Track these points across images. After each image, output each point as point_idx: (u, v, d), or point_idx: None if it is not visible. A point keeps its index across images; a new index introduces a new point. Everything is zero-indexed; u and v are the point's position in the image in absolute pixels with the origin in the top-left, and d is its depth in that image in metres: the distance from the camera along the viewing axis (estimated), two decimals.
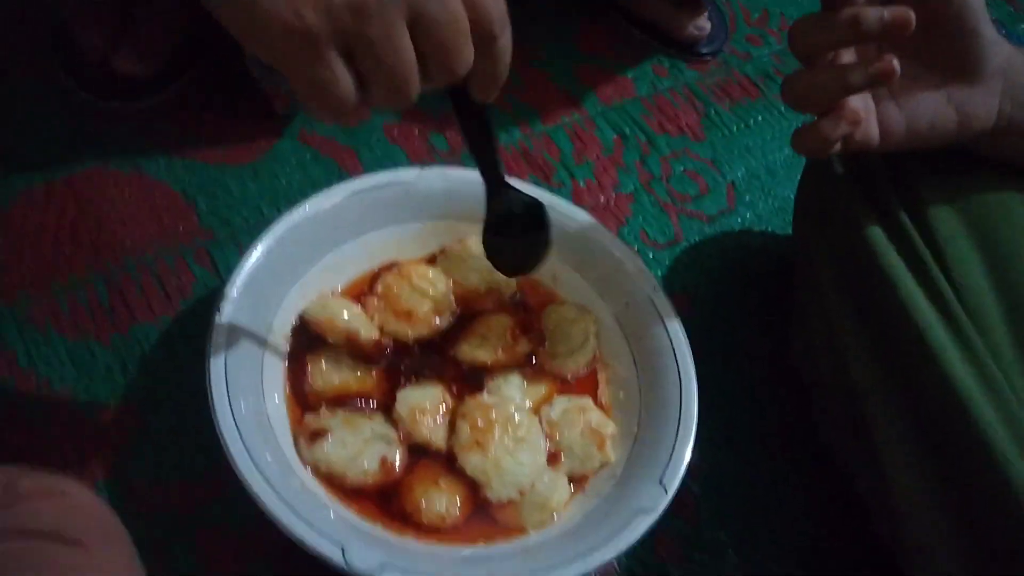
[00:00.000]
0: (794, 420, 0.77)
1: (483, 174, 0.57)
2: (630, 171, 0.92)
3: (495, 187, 0.58)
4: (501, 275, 0.68)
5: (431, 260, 0.73)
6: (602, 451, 0.65)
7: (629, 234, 0.86)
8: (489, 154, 0.56)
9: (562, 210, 0.73)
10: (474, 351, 0.68)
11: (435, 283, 0.71)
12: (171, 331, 0.70)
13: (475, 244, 0.71)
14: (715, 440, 0.74)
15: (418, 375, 0.66)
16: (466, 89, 0.49)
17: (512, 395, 0.67)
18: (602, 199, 0.89)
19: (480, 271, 0.72)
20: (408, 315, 0.69)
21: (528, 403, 0.67)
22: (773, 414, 0.77)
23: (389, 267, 0.72)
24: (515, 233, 0.61)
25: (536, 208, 0.60)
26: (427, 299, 0.70)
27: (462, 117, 0.52)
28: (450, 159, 0.87)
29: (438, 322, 0.70)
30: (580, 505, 0.63)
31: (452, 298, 0.71)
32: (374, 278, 0.71)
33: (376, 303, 0.69)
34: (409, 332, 0.69)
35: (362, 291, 0.71)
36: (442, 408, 0.65)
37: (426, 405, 0.64)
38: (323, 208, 0.68)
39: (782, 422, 0.77)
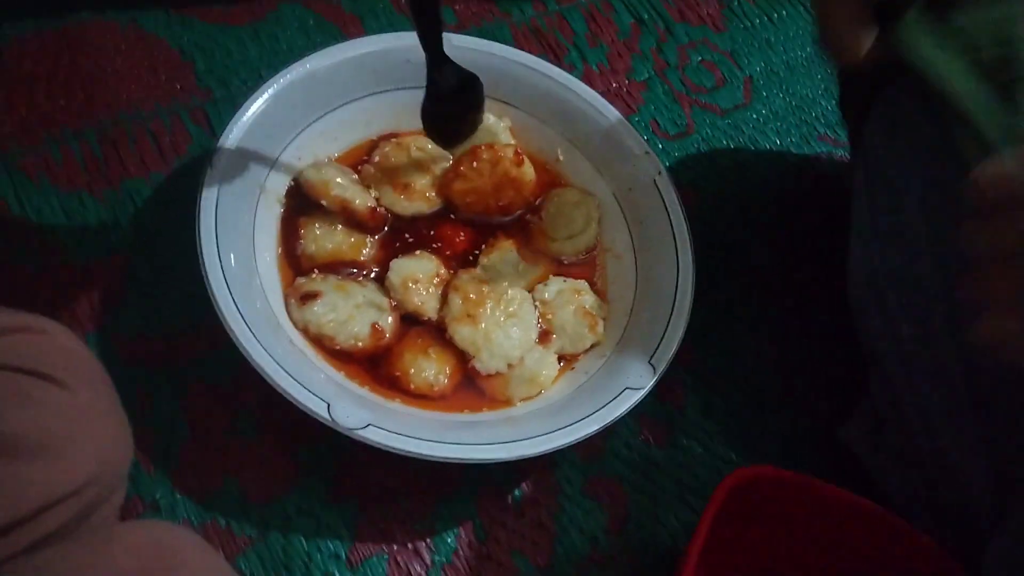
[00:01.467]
0: (788, 323, 0.76)
1: (424, 45, 0.57)
2: (645, 58, 0.88)
3: (435, 59, 0.58)
4: (499, 140, 0.68)
5: None
6: (594, 332, 0.64)
7: (639, 123, 0.84)
8: (431, 26, 0.56)
9: (573, 89, 0.71)
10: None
11: (435, 158, 0.69)
12: (164, 187, 0.69)
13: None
14: (709, 334, 0.74)
15: (413, 247, 0.65)
16: None
17: (507, 273, 0.66)
18: (614, 85, 0.86)
19: (475, 140, 0.69)
20: (405, 188, 0.67)
21: (522, 282, 0.67)
22: (769, 315, 0.76)
23: (388, 137, 0.70)
24: (452, 105, 0.62)
25: (472, 81, 0.61)
26: (426, 174, 0.69)
27: None
28: (457, 32, 0.83)
29: (434, 197, 0.68)
30: (568, 382, 0.63)
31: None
32: (372, 147, 0.70)
33: (373, 172, 0.68)
34: (406, 205, 0.67)
35: (359, 159, 0.69)
36: (435, 280, 0.64)
37: (419, 275, 0.63)
38: (322, 67, 0.66)
39: (777, 323, 0.76)
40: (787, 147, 0.88)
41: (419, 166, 0.69)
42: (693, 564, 0.52)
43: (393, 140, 0.69)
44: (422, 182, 0.68)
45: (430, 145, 0.69)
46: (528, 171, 0.69)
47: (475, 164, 0.67)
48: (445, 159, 0.70)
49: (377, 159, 0.68)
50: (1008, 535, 0.55)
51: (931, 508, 0.64)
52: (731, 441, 0.69)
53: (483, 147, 0.69)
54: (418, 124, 0.70)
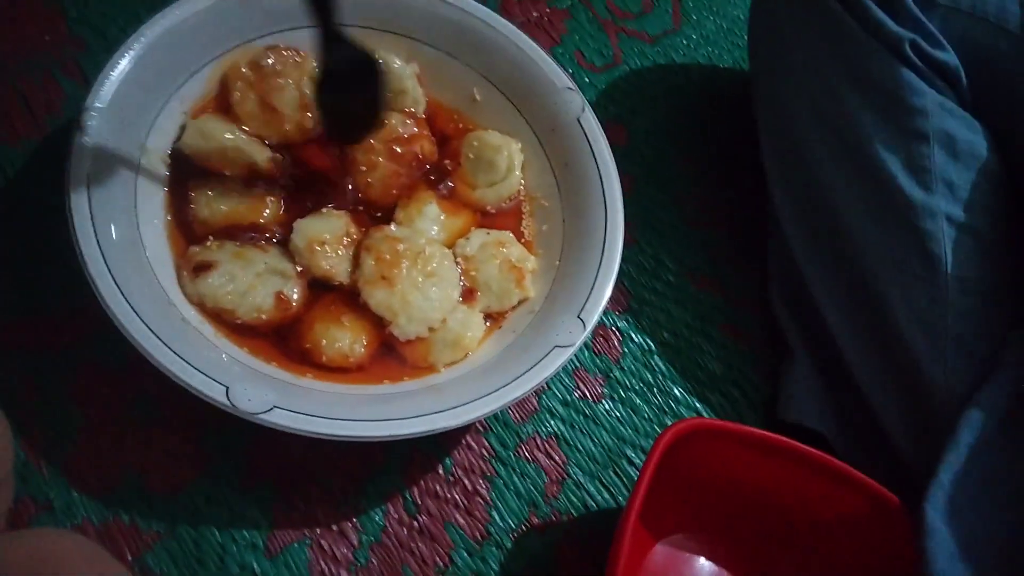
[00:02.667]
0: (726, 262, 0.73)
1: (315, 21, 0.50)
2: None
3: (328, 37, 0.51)
4: (407, 96, 0.63)
5: None
6: (521, 287, 0.60)
7: (563, 55, 0.79)
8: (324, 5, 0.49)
9: (485, 20, 0.65)
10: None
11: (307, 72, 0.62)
12: (37, 153, 0.62)
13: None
14: (642, 278, 0.70)
15: (318, 203, 0.60)
16: None
17: (425, 228, 0.61)
18: (534, 14, 0.80)
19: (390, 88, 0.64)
20: (272, 111, 0.60)
21: (442, 236, 0.62)
22: (701, 253, 0.73)
23: (287, 50, 0.62)
24: (349, 93, 0.55)
25: (370, 66, 0.54)
26: (302, 111, 0.61)
27: None
28: None
29: (295, 135, 0.61)
30: (496, 342, 0.59)
31: None
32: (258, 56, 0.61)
33: (245, 80, 0.60)
34: (257, 127, 0.60)
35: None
36: (345, 240, 0.58)
37: (326, 236, 0.58)
38: (207, 6, 0.59)
39: (710, 261, 0.73)
40: (719, 72, 0.84)
41: (300, 96, 0.61)
42: (632, 522, 0.49)
43: (290, 54, 0.62)
44: (291, 113, 0.61)
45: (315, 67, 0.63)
46: (430, 147, 0.64)
47: (372, 156, 0.61)
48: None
49: (264, 64, 0.60)
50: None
51: (867, 449, 0.62)
52: (670, 391, 0.67)
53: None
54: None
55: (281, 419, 0.48)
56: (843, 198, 0.64)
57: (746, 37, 0.84)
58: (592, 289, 0.57)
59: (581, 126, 0.63)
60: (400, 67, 0.64)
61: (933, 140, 0.61)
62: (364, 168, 0.61)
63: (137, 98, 0.56)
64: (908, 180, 0.61)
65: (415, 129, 0.63)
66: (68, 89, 0.65)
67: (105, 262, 0.49)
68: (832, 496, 0.56)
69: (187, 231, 0.57)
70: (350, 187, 0.61)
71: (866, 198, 0.62)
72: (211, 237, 0.57)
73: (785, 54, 0.68)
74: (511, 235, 0.63)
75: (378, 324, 0.57)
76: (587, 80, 0.78)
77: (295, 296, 0.56)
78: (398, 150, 0.61)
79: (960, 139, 0.61)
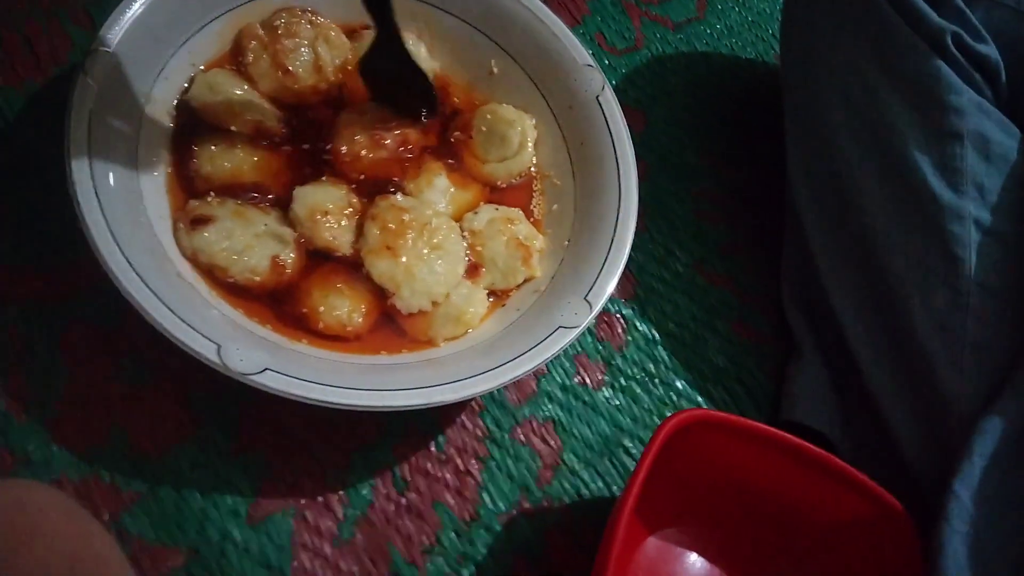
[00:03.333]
0: (736, 256, 0.72)
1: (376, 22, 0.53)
2: None
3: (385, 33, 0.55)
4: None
5: (350, 34, 0.63)
6: (527, 265, 0.59)
7: (584, 35, 0.77)
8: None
9: None
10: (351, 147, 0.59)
11: (336, 55, 0.61)
12: (39, 99, 0.60)
13: None
14: (651, 267, 0.69)
15: (320, 168, 0.58)
16: None
17: (433, 199, 0.59)
18: None
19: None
20: (285, 72, 0.59)
21: (451, 209, 0.60)
22: (712, 245, 0.71)
23: (302, 10, 0.61)
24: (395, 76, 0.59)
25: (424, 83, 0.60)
26: (316, 72, 0.60)
27: None
28: None
29: (309, 95, 0.60)
30: (499, 319, 0.57)
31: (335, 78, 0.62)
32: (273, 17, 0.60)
33: (259, 40, 0.59)
34: (271, 87, 0.59)
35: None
36: (348, 211, 0.57)
37: (328, 206, 0.56)
38: None
39: (720, 254, 0.71)
40: (742, 65, 0.82)
41: (315, 57, 0.60)
42: (628, 512, 0.48)
43: (303, 14, 0.61)
44: (304, 74, 0.60)
45: (342, 39, 0.62)
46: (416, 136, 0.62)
47: (355, 147, 0.59)
48: (343, 57, 0.62)
49: (277, 24, 0.59)
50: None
51: (872, 453, 0.61)
52: (671, 382, 0.65)
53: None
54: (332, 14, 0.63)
55: (273, 382, 0.46)
56: (870, 195, 0.62)
57: (771, 31, 0.83)
58: (601, 272, 0.56)
59: (600, 105, 0.62)
60: (413, 42, 0.63)
61: (967, 140, 0.59)
62: (348, 159, 0.59)
63: (145, 45, 0.54)
64: (939, 180, 0.59)
65: (401, 119, 0.61)
66: (75, 36, 0.63)
67: (101, 210, 0.48)
68: (832, 496, 0.55)
69: (188, 186, 0.55)
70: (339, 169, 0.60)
71: (894, 197, 0.61)
72: (212, 193, 0.55)
73: (820, 45, 0.66)
74: (520, 212, 0.61)
75: (379, 294, 0.55)
76: (607, 63, 0.76)
77: (290, 262, 0.54)
78: (384, 139, 0.59)
79: (994, 141, 0.59)
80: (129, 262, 0.46)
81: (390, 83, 0.60)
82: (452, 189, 0.61)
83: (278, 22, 0.59)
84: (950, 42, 0.59)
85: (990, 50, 0.61)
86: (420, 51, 0.64)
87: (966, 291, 0.57)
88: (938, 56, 0.59)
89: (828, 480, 0.54)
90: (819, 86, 0.66)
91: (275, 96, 0.59)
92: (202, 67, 0.58)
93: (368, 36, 0.61)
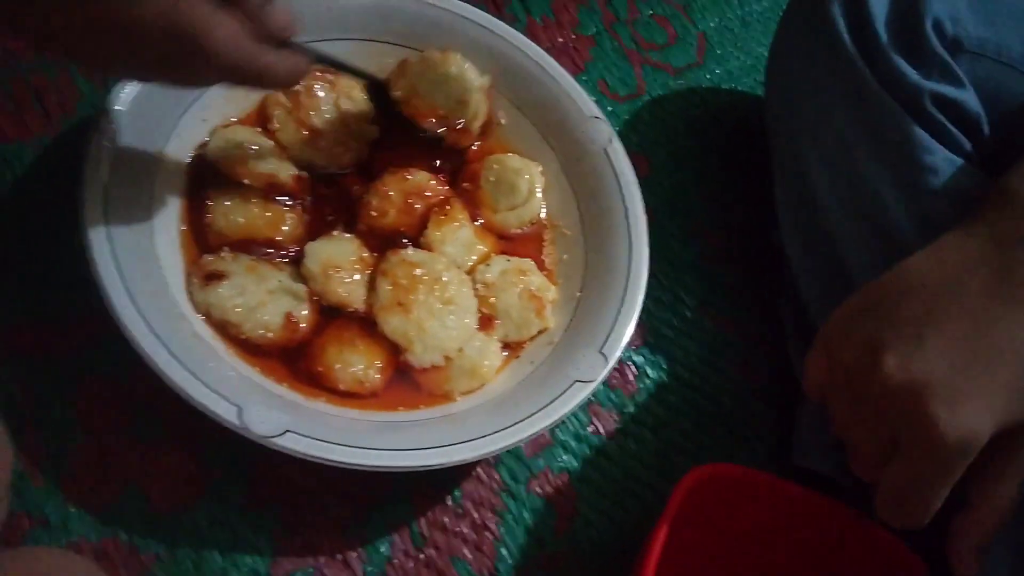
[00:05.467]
0: (744, 299, 0.72)
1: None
2: (592, 10, 0.82)
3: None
4: (467, 109, 0.62)
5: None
6: (541, 317, 0.59)
7: (587, 82, 0.78)
8: None
9: (514, 43, 0.64)
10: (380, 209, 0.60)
11: (361, 110, 0.62)
12: (48, 153, 0.60)
13: (445, 59, 0.61)
14: (659, 312, 0.69)
15: (335, 223, 0.58)
16: None
17: (455, 252, 0.60)
18: (559, 40, 0.79)
19: (447, 92, 0.62)
20: (313, 132, 0.60)
21: (468, 262, 0.60)
22: (718, 289, 0.72)
23: (321, 72, 0.62)
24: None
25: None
26: (343, 129, 0.61)
27: None
28: None
29: (340, 153, 0.61)
30: (513, 372, 0.57)
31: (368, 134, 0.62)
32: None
33: (283, 107, 0.60)
34: (307, 153, 0.60)
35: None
36: (358, 264, 0.57)
37: (340, 260, 0.56)
38: None
39: (726, 299, 0.72)
40: (741, 109, 0.83)
41: (340, 116, 0.61)
42: (653, 567, 0.48)
43: (323, 76, 0.61)
44: (333, 133, 0.60)
45: (363, 96, 0.62)
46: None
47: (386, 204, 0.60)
48: (370, 122, 0.62)
49: (298, 88, 0.60)
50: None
51: None
52: (684, 428, 0.65)
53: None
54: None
55: (295, 444, 0.46)
56: (853, 250, 0.63)
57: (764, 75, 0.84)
58: (615, 324, 0.56)
59: (608, 157, 0.62)
60: (472, 76, 0.62)
61: (944, 197, 0.60)
62: (375, 214, 0.59)
63: (158, 103, 0.55)
64: (918, 237, 0.60)
65: (437, 189, 0.61)
66: (84, 89, 0.63)
67: (118, 271, 0.48)
68: (848, 546, 0.55)
69: (202, 241, 0.55)
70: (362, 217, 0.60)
71: (876, 252, 0.62)
72: (226, 248, 0.55)
73: (799, 100, 0.68)
74: (532, 263, 0.61)
75: (393, 350, 0.55)
76: (610, 109, 0.77)
77: (304, 319, 0.54)
78: (415, 205, 0.60)
79: (972, 197, 0.60)
80: (148, 324, 0.46)
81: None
82: (478, 244, 0.61)
83: (298, 87, 0.59)
84: (928, 102, 0.60)
85: (972, 102, 0.62)
86: (475, 84, 0.62)
87: None
88: (912, 117, 0.60)
89: (844, 530, 0.54)
90: (799, 138, 0.67)
91: (308, 160, 0.60)
92: (217, 123, 0.58)
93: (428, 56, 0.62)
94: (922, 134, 0.59)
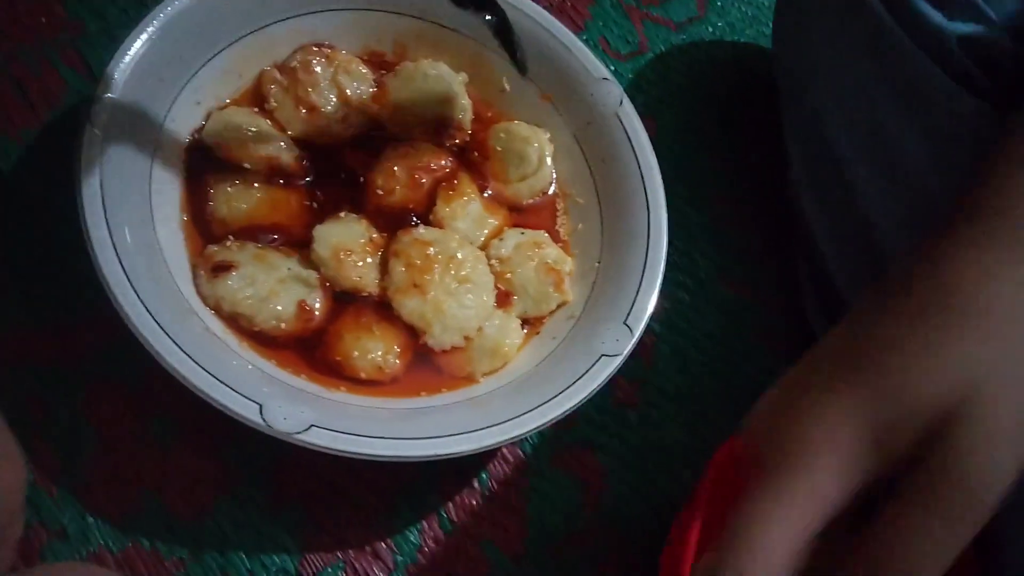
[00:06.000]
0: (760, 260, 0.71)
1: None
2: None
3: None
4: (453, 109, 0.60)
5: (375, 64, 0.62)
6: (560, 290, 0.57)
7: (588, 42, 0.74)
8: None
9: (514, 3, 0.61)
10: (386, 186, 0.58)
11: (361, 85, 0.60)
12: (36, 147, 0.57)
13: (429, 65, 0.60)
14: (675, 278, 0.68)
15: (337, 205, 0.56)
16: None
17: (466, 228, 0.58)
18: None
19: (430, 93, 0.60)
20: (311, 110, 0.57)
21: (481, 237, 0.58)
22: (731, 253, 0.70)
23: (318, 46, 0.60)
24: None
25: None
26: (344, 105, 0.59)
27: None
28: None
29: (341, 130, 0.59)
30: (535, 350, 0.56)
31: (371, 108, 0.60)
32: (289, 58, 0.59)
33: (279, 84, 0.57)
34: (307, 132, 0.58)
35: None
36: (369, 246, 0.55)
37: (350, 243, 0.54)
38: None
39: (740, 263, 0.70)
40: (746, 61, 0.81)
41: (339, 91, 0.59)
42: (692, 550, 0.46)
43: (319, 50, 0.59)
44: (330, 110, 0.58)
45: (363, 69, 0.60)
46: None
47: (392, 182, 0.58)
48: (368, 88, 0.60)
49: (295, 64, 0.58)
50: None
51: None
52: (705, 397, 0.64)
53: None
54: (346, 46, 0.61)
55: (320, 439, 0.44)
56: (874, 203, 0.61)
57: (772, 26, 0.82)
58: (638, 293, 0.54)
59: (620, 120, 0.60)
60: (448, 74, 0.61)
61: (969, 144, 0.58)
62: (381, 192, 0.57)
63: (149, 88, 0.52)
64: (942, 186, 0.58)
65: (442, 162, 0.59)
66: (68, 77, 0.60)
67: (122, 269, 0.45)
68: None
69: (205, 231, 0.53)
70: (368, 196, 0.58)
71: (899, 204, 0.60)
72: (231, 237, 0.53)
73: (812, 49, 0.65)
74: (546, 235, 0.59)
75: (411, 333, 0.54)
76: (613, 68, 0.74)
77: (318, 307, 0.52)
78: (421, 179, 0.58)
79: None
80: (159, 325, 0.44)
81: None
82: (489, 218, 0.59)
83: (294, 63, 0.57)
84: (953, 45, 0.58)
85: (1000, 38, 0.60)
86: (456, 80, 0.62)
87: None
88: (936, 62, 0.58)
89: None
90: (814, 91, 0.65)
91: (307, 138, 0.57)
92: (212, 106, 0.56)
93: (401, 69, 0.60)
94: (946, 79, 0.57)
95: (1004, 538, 0.49)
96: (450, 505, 0.55)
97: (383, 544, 0.52)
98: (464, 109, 0.61)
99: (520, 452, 0.58)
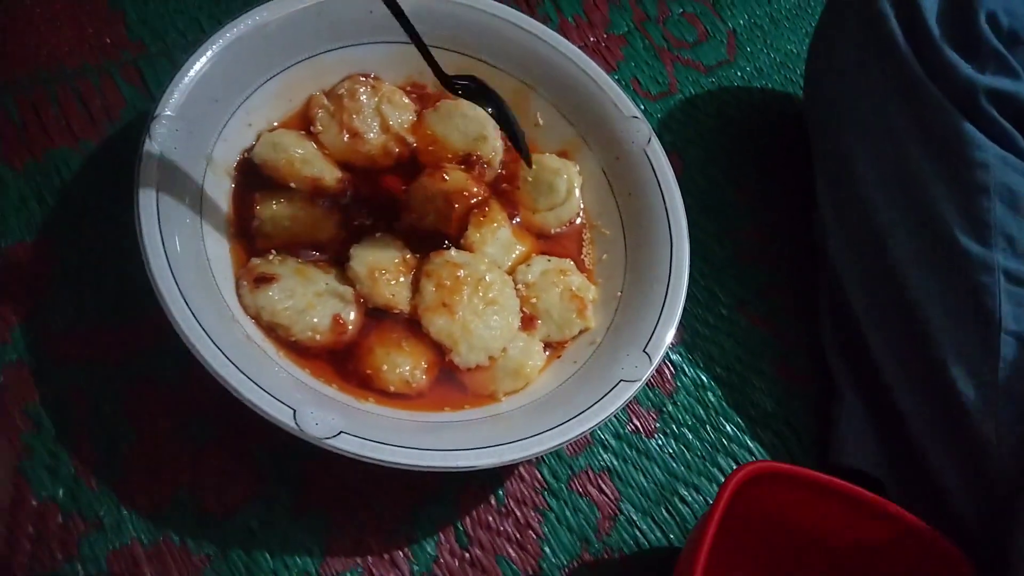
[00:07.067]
0: (780, 295, 0.72)
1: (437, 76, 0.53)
2: (623, 9, 0.82)
3: (448, 87, 0.54)
4: (485, 150, 0.64)
5: (417, 96, 0.65)
6: (582, 317, 0.59)
7: (620, 81, 0.77)
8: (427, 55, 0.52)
9: (551, 43, 0.64)
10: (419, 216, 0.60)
11: (402, 115, 0.63)
12: (95, 158, 0.61)
13: (468, 106, 0.64)
14: (696, 310, 0.69)
15: (374, 226, 0.59)
16: None
17: (494, 253, 0.60)
18: (591, 39, 0.79)
19: (466, 132, 0.64)
20: (355, 135, 0.61)
21: (509, 262, 0.61)
22: (753, 287, 0.72)
23: (364, 76, 0.63)
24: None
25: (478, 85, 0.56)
26: (384, 133, 0.62)
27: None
28: None
29: (380, 156, 0.62)
30: (556, 372, 0.58)
31: (409, 139, 0.63)
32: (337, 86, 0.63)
33: (326, 109, 0.61)
34: (349, 155, 0.61)
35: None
36: (402, 266, 0.57)
37: (385, 263, 0.56)
38: (275, 19, 0.58)
39: (762, 296, 0.72)
40: (773, 105, 0.83)
41: (381, 119, 0.62)
42: (702, 566, 0.48)
43: (366, 80, 0.63)
44: (373, 136, 0.61)
45: (405, 100, 0.63)
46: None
47: (428, 205, 0.61)
48: (408, 118, 0.63)
49: (341, 92, 0.61)
50: None
51: (921, 495, 0.61)
52: (722, 427, 0.65)
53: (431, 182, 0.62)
54: (391, 78, 0.64)
55: (348, 445, 0.47)
56: (900, 245, 0.63)
57: (799, 71, 0.84)
58: (658, 323, 0.56)
59: (647, 156, 0.62)
60: (485, 118, 0.64)
61: (994, 193, 0.60)
62: (415, 215, 0.60)
63: (205, 108, 0.55)
64: (965, 233, 0.60)
65: (475, 189, 0.62)
66: (127, 94, 0.64)
67: (173, 276, 0.48)
68: (891, 542, 0.55)
69: (249, 245, 0.56)
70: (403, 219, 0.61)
71: (923, 248, 0.61)
72: (273, 251, 0.56)
73: (845, 97, 0.68)
74: (572, 263, 0.62)
75: (438, 350, 0.56)
76: (643, 107, 0.77)
77: (352, 321, 0.55)
78: (454, 205, 0.60)
79: (1022, 193, 0.60)
80: (204, 329, 0.47)
81: None
82: (517, 244, 0.61)
83: (341, 90, 0.60)
84: (982, 97, 0.60)
85: None
86: (489, 122, 0.64)
87: (997, 341, 0.58)
88: (963, 113, 0.60)
89: (886, 526, 0.54)
90: (845, 133, 0.67)
91: (348, 161, 0.60)
92: (262, 128, 0.59)
93: (441, 106, 0.64)
94: (972, 130, 0.59)
95: (1002, 546, 0.50)
96: (468, 520, 0.57)
97: (401, 553, 0.54)
98: (496, 151, 0.64)
99: (538, 473, 0.60)
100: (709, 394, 0.66)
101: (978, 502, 0.58)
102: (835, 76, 0.69)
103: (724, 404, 0.66)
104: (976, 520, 0.58)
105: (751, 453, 0.65)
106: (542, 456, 0.59)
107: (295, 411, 0.47)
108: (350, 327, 0.54)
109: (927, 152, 0.62)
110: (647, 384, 0.65)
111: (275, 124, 0.60)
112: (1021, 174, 0.61)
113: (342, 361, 0.54)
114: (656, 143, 0.63)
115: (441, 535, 0.55)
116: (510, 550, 0.56)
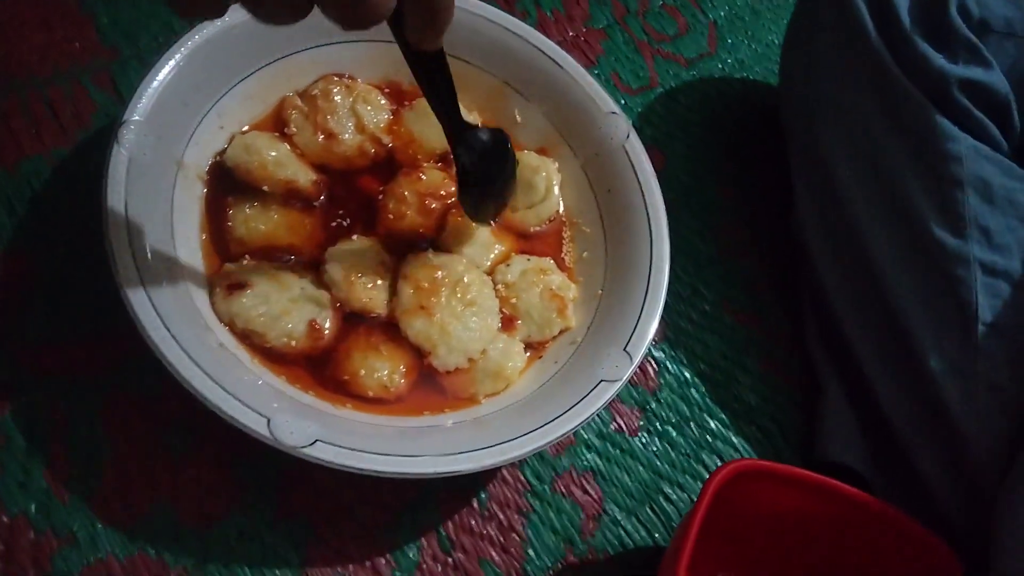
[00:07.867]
0: (763, 291, 0.72)
1: (443, 123, 0.51)
2: (603, 3, 0.81)
3: (458, 135, 0.52)
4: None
5: (393, 95, 0.64)
6: (563, 316, 0.59)
7: (599, 76, 0.77)
8: (447, 102, 0.50)
9: (528, 39, 0.64)
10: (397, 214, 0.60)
11: (378, 115, 0.62)
12: (67, 167, 0.60)
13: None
14: (678, 307, 0.69)
15: (352, 227, 0.58)
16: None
17: (473, 253, 0.59)
18: (570, 33, 0.78)
19: (440, 136, 0.62)
20: (329, 136, 0.60)
21: (488, 262, 0.60)
22: (736, 283, 0.71)
23: (339, 76, 0.62)
24: (486, 182, 0.56)
25: (501, 144, 0.55)
26: (360, 133, 0.61)
27: (410, 61, 0.46)
28: None
29: (356, 157, 0.61)
30: (537, 373, 0.57)
31: (385, 140, 0.62)
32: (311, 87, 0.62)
33: (299, 110, 0.60)
34: (324, 157, 0.60)
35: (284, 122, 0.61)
36: (380, 269, 0.57)
37: (361, 266, 0.56)
38: (247, 18, 0.56)
39: (745, 292, 0.71)
40: (755, 98, 0.82)
41: (356, 119, 0.61)
42: (685, 564, 0.47)
43: (340, 80, 0.62)
44: (347, 137, 0.60)
45: (381, 100, 0.62)
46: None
47: (403, 207, 0.60)
48: (384, 117, 0.62)
49: (315, 92, 0.60)
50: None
51: (904, 489, 0.61)
52: (706, 424, 0.65)
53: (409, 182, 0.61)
54: (366, 76, 0.63)
55: (324, 454, 0.46)
56: (875, 239, 0.62)
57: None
58: (639, 321, 0.56)
59: (626, 152, 0.62)
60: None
61: (967, 186, 0.59)
62: (392, 216, 0.59)
63: (175, 112, 0.54)
64: (941, 225, 0.59)
65: (452, 188, 0.60)
66: (99, 100, 0.63)
67: (143, 286, 0.47)
68: (877, 538, 0.55)
69: (223, 250, 0.55)
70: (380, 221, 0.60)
71: (898, 241, 0.61)
72: (247, 256, 0.55)
73: (818, 89, 0.67)
74: (552, 262, 0.61)
75: (416, 354, 0.55)
76: (623, 102, 0.76)
77: (328, 326, 0.54)
78: (431, 205, 0.60)
79: (996, 184, 0.60)
80: (175, 339, 0.46)
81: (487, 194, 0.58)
82: (496, 244, 0.61)
83: (315, 91, 0.59)
84: (954, 88, 0.59)
85: (1001, 84, 0.61)
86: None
87: (975, 333, 0.57)
88: (936, 105, 0.60)
89: (871, 520, 0.54)
90: (819, 125, 0.66)
91: (324, 163, 0.59)
92: (235, 130, 0.58)
93: (418, 103, 0.63)
94: (945, 123, 0.59)
95: (986, 538, 0.49)
96: (450, 524, 0.56)
97: (383, 559, 0.54)
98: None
99: (521, 475, 0.59)
100: (693, 391, 0.66)
101: (960, 494, 0.58)
102: (807, 69, 0.69)
103: (708, 400, 0.66)
104: (959, 513, 0.58)
105: (736, 449, 0.65)
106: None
107: (269, 420, 0.46)
108: (326, 332, 0.54)
109: (901, 145, 0.61)
110: (630, 382, 0.65)
111: (248, 126, 0.59)
112: (995, 165, 0.60)
113: (319, 367, 0.53)
114: (635, 138, 0.62)
115: (424, 540, 0.55)
116: (493, 554, 0.56)
